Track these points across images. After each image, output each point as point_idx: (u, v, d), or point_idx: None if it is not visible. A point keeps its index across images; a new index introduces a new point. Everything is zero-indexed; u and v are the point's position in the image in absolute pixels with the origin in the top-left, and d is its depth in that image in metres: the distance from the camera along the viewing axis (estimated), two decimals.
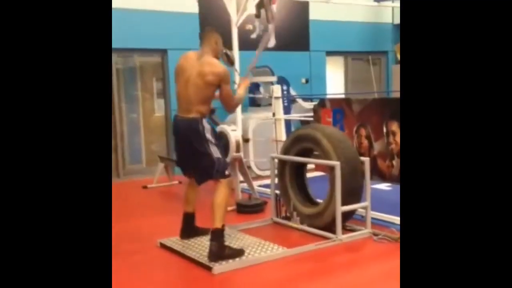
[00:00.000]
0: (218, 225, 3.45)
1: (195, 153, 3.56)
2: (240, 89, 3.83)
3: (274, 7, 7.93)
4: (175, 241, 3.88)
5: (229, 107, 3.79)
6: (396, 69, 9.24)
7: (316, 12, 8.21)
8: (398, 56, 9.29)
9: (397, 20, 9.25)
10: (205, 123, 3.59)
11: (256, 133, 6.53)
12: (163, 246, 3.86)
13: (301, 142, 4.24)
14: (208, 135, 3.56)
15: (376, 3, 7.80)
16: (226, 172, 3.62)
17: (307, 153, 4.28)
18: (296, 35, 8.19)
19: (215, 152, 3.56)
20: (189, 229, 3.94)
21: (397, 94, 7.97)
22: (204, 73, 3.52)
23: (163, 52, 7.14)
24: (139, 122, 7.34)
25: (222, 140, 4.83)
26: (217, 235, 3.45)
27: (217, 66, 3.58)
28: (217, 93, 3.68)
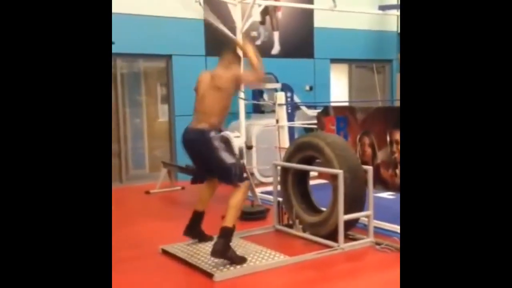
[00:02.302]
0: (228, 224, 3.47)
1: (208, 161, 3.67)
2: (251, 56, 3.75)
3: (279, 14, 7.99)
4: (177, 247, 3.87)
5: (258, 79, 3.87)
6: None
7: (321, 20, 8.22)
8: None
9: None
10: (212, 132, 3.63)
11: (259, 140, 6.53)
12: (165, 252, 3.86)
13: (304, 150, 4.23)
14: (216, 143, 3.62)
15: (381, 11, 7.79)
16: (244, 175, 3.67)
17: (310, 160, 4.27)
18: (301, 42, 8.21)
19: (228, 158, 3.60)
20: (194, 229, 3.95)
21: None
22: (217, 82, 3.67)
23: (168, 57, 7.16)
24: (143, 127, 7.35)
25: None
26: (226, 233, 3.45)
27: (229, 73, 3.73)
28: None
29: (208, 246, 3.69)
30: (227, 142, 3.70)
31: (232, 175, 3.56)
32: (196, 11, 6.97)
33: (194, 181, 4.06)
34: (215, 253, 3.40)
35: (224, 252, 3.41)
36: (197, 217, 3.94)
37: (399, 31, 9.30)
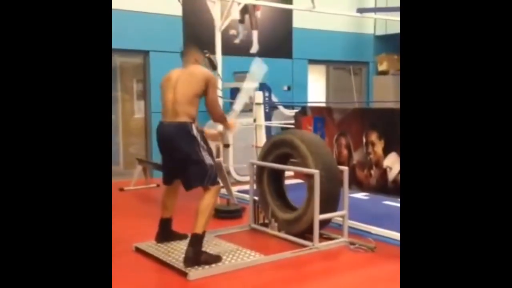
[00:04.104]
0: (198, 230, 3.42)
1: (186, 158, 3.50)
2: (225, 123, 3.88)
3: (258, 13, 7.99)
4: (151, 246, 3.83)
5: (215, 115, 3.71)
6: (376, 80, 9.35)
7: (300, 20, 8.26)
8: (379, 67, 9.41)
9: (379, 31, 9.38)
10: (194, 127, 3.54)
11: (236, 139, 6.51)
12: (138, 250, 3.81)
13: (279, 148, 4.24)
14: (200, 140, 3.55)
15: (359, 14, 7.88)
16: (217, 179, 3.61)
17: (285, 158, 4.28)
18: (279, 42, 8.22)
19: (207, 158, 3.54)
20: (166, 234, 3.90)
21: (377, 105, 8.07)
22: (192, 75, 3.61)
23: (145, 53, 7.08)
24: (118, 123, 7.25)
25: None
26: (196, 241, 3.41)
27: (205, 70, 3.74)
28: None
29: (182, 244, 3.66)
30: (207, 142, 3.67)
31: (207, 176, 3.49)
32: (175, 8, 6.91)
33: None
34: (187, 262, 3.35)
35: (197, 259, 3.37)
36: (165, 224, 3.89)
37: (376, 34, 9.44)
